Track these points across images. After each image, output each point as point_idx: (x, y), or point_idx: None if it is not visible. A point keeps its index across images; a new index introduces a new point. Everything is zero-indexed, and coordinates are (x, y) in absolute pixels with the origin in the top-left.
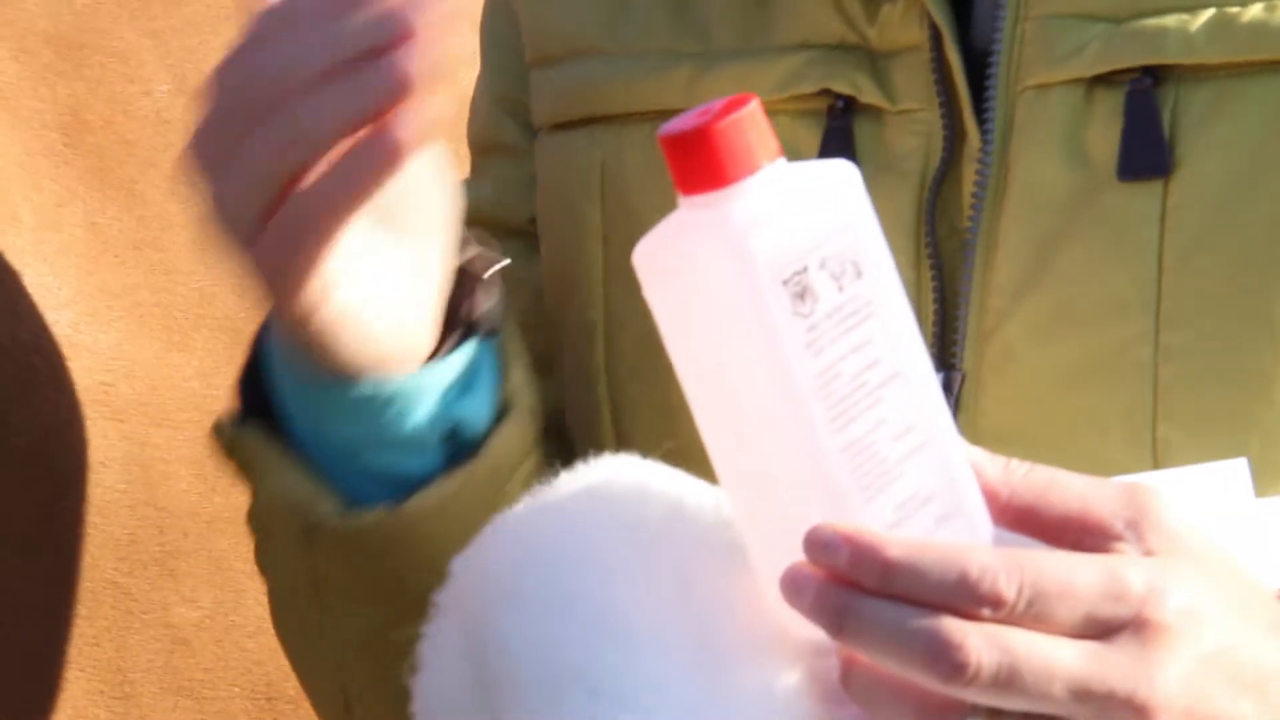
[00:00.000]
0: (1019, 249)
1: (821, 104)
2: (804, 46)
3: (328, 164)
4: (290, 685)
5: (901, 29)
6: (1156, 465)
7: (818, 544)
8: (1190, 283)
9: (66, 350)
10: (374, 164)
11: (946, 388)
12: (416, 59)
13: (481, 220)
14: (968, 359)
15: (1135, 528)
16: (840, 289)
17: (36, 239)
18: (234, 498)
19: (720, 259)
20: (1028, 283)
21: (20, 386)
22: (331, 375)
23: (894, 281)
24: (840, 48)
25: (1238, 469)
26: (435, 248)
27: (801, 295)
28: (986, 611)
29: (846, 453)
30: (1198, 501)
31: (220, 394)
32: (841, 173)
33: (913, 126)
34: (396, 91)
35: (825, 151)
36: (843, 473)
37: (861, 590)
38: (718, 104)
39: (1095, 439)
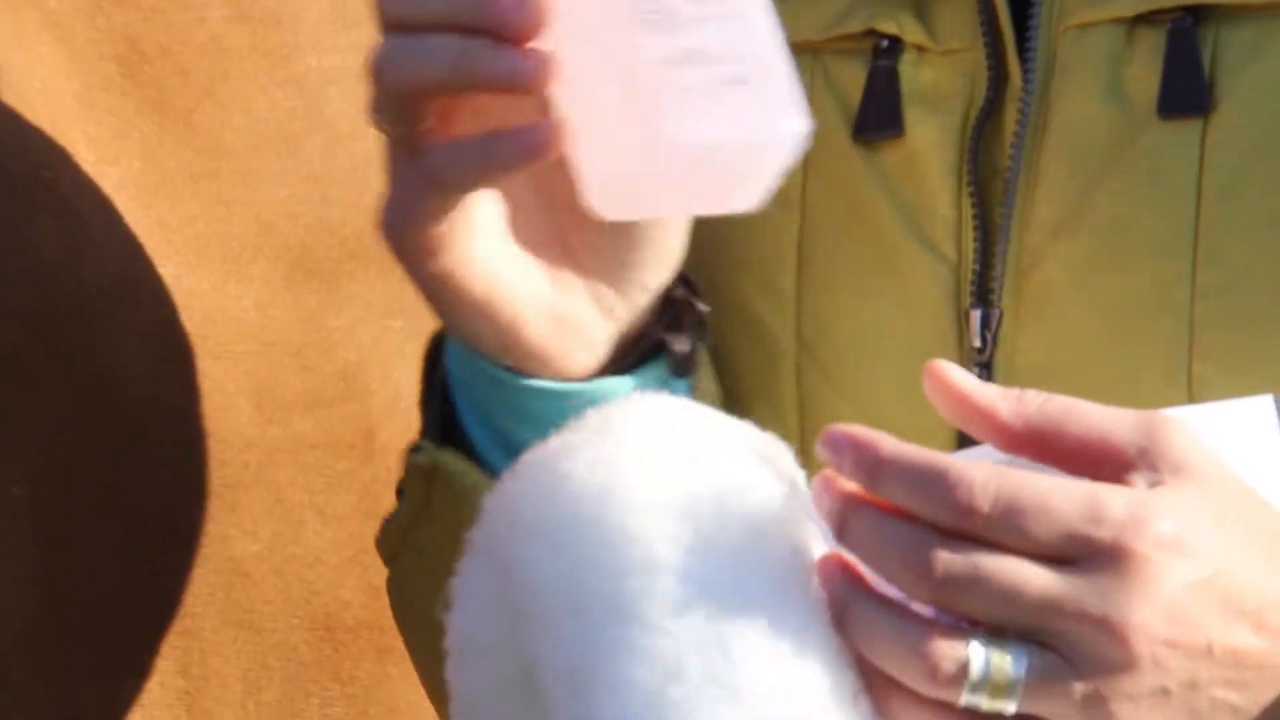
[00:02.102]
0: (1059, 187)
1: (867, 43)
2: None
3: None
4: (349, 615)
5: None
6: (1192, 403)
7: (828, 443)
8: (1228, 222)
9: (125, 284)
10: (510, 154)
11: (985, 324)
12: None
13: None
14: (1006, 296)
15: (1148, 456)
16: None
17: (95, 173)
18: (292, 428)
19: None
20: (1067, 221)
21: (81, 324)
22: (499, 366)
23: None
24: None
25: (1264, 405)
26: (638, 280)
27: None
28: (961, 517)
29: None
30: (1220, 434)
31: (279, 324)
32: None
33: (957, 66)
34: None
35: (870, 90)
36: (628, 13)
37: (868, 502)
38: None
39: (1132, 377)
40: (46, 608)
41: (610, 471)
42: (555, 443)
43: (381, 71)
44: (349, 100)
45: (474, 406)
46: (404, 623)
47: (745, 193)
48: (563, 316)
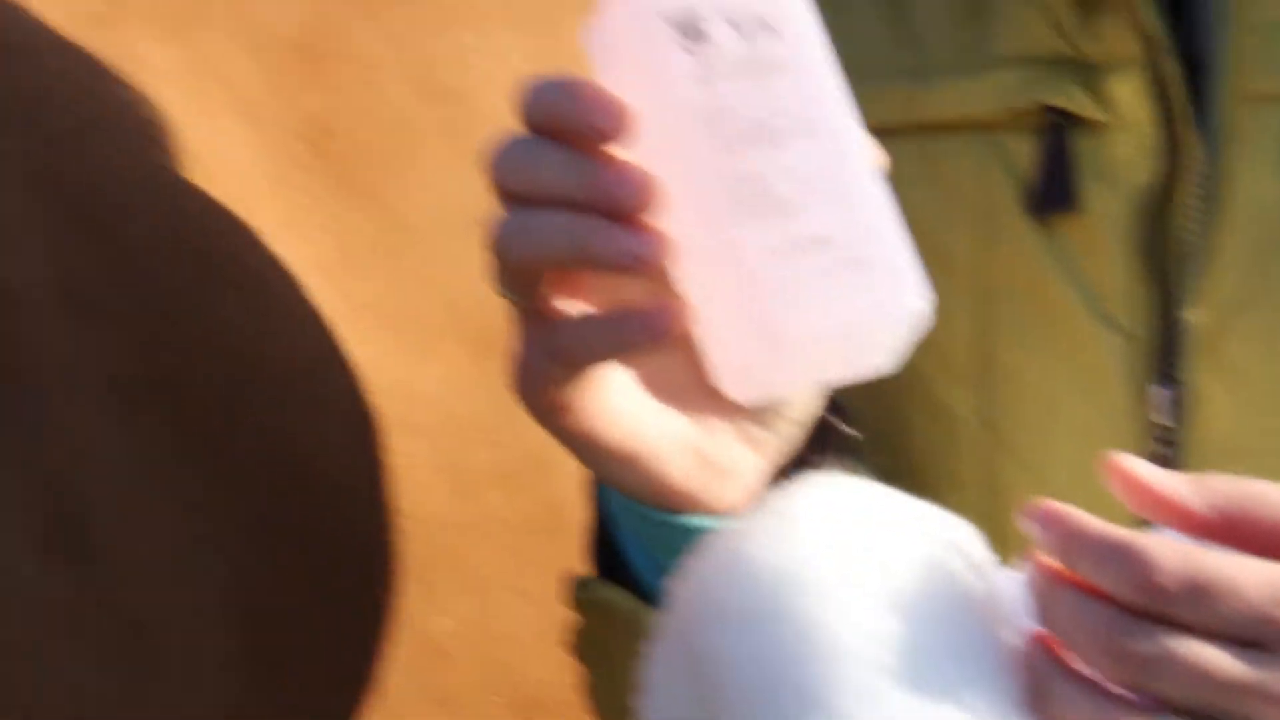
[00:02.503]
0: (1239, 260)
1: (1038, 118)
2: (1019, 60)
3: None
4: (546, 693)
5: (1117, 41)
6: None
7: (1030, 516)
8: None
9: (316, 363)
10: (636, 338)
11: (1173, 402)
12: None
13: None
14: (1189, 372)
15: None
16: (742, 38)
17: (285, 251)
18: (486, 505)
19: (621, 10)
20: (1249, 295)
21: (274, 400)
22: (659, 509)
23: (812, 48)
24: (1055, 61)
25: None
26: (784, 414)
27: (690, 34)
28: (1149, 598)
29: (729, 178)
30: None
31: (467, 401)
32: None
33: (1130, 138)
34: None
35: (1043, 165)
36: (719, 190)
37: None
38: None
39: None
40: (251, 689)
41: (796, 556)
42: (741, 527)
43: (500, 248)
44: None
45: (632, 538)
46: (595, 711)
47: (875, 363)
48: (708, 456)
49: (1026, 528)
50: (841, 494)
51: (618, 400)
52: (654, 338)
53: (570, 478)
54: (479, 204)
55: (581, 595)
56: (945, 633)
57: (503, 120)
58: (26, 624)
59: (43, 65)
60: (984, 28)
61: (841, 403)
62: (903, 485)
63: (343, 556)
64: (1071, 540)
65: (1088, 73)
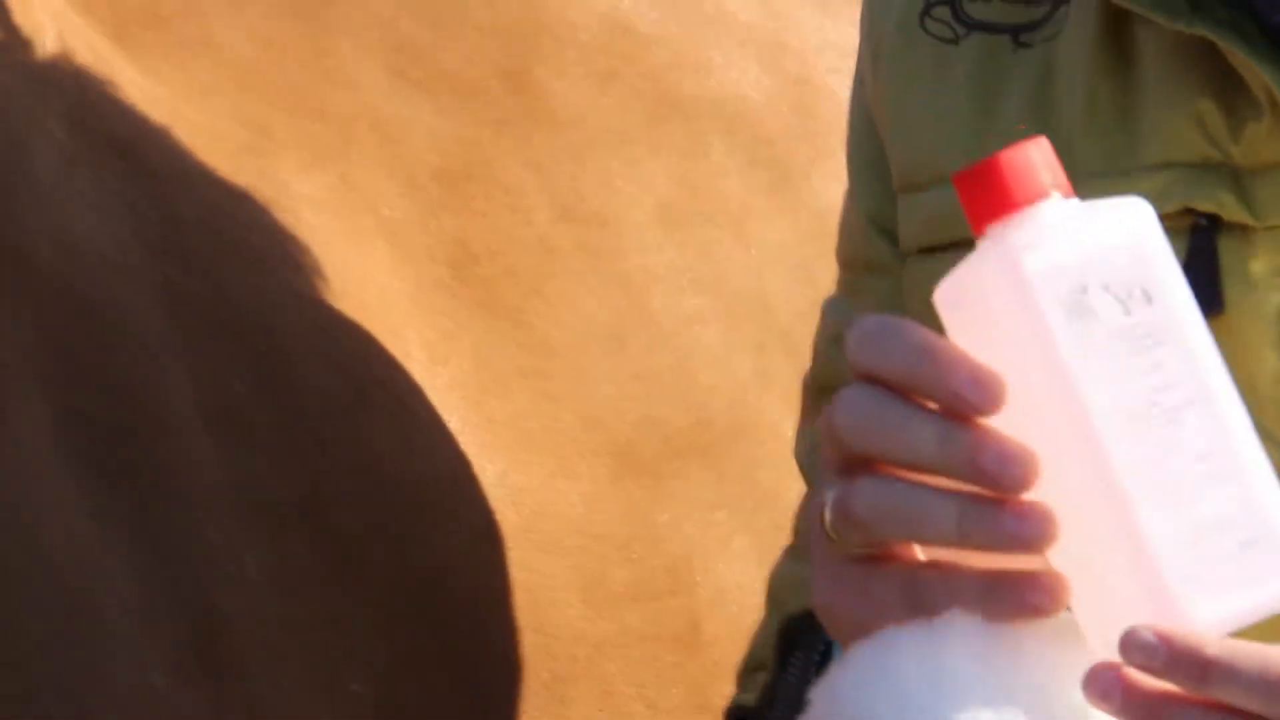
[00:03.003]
0: None
1: (1185, 222)
2: (1167, 165)
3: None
4: None
5: (1268, 145)
6: None
7: (1134, 645)
8: None
9: (456, 479)
10: (1011, 610)
11: None
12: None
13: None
14: None
15: None
16: (1127, 312)
17: (428, 374)
18: (620, 621)
19: (998, 279)
20: None
21: (415, 519)
22: None
23: (1190, 313)
24: (1204, 166)
25: None
26: None
27: (1080, 314)
28: None
29: (1137, 466)
30: None
31: (605, 519)
32: (1133, 206)
33: (1275, 244)
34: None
35: (1190, 270)
36: (1130, 484)
37: (1175, 697)
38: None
39: None
40: None
41: (937, 666)
42: (882, 637)
43: (864, 518)
44: (673, 298)
45: None
46: None
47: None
48: None
49: (1133, 655)
50: None
51: None
52: (1030, 612)
53: (707, 595)
54: (620, 324)
55: None
56: None
57: (643, 242)
58: None
59: (192, 193)
60: (1132, 135)
61: None
62: None
63: (480, 671)
64: (1210, 665)
65: (1237, 177)
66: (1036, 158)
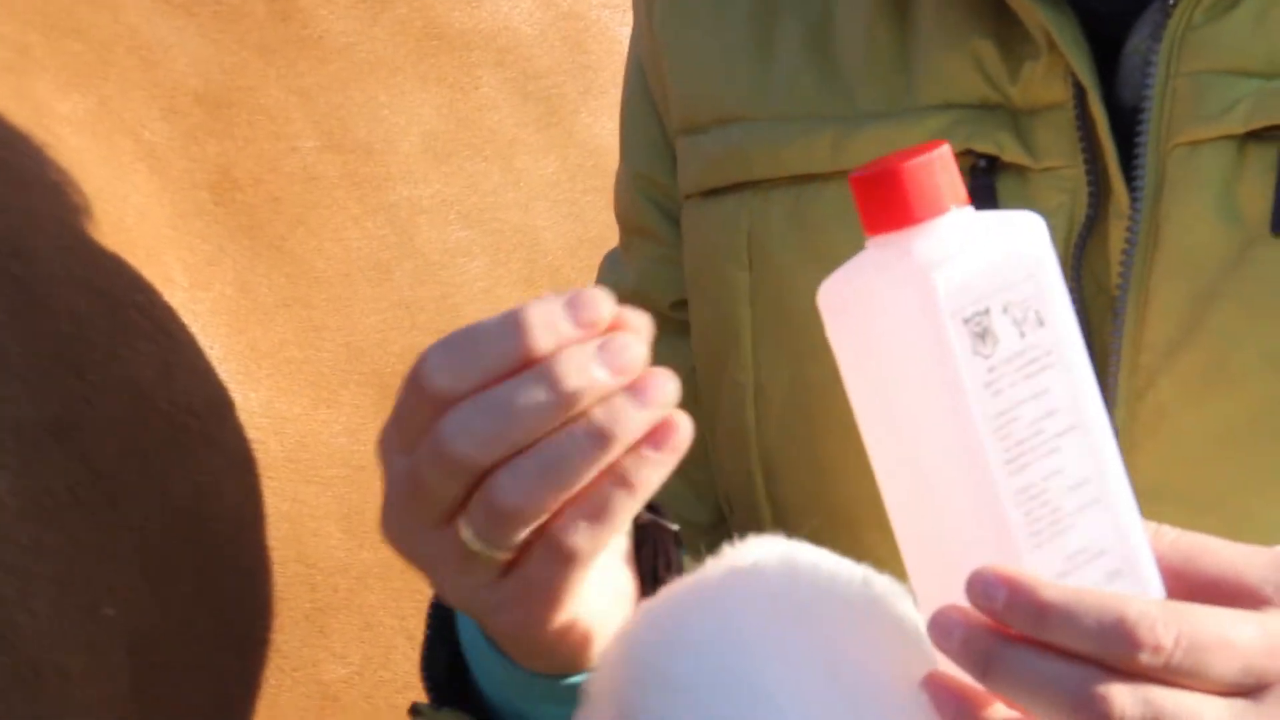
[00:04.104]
0: (1171, 306)
1: (965, 163)
2: (947, 106)
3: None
4: None
5: (1044, 87)
6: None
7: (978, 584)
8: None
9: (217, 407)
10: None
11: None
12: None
13: (624, 301)
14: (1119, 418)
15: None
16: (1021, 335)
17: (189, 298)
18: (382, 553)
19: (902, 294)
20: (1180, 340)
21: (174, 446)
22: (556, 669)
23: (1075, 334)
24: (983, 107)
25: None
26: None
27: (982, 336)
28: (1144, 656)
29: (1020, 496)
30: None
31: (368, 450)
32: (1028, 223)
33: (1057, 184)
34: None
35: None
36: (1014, 515)
37: (1013, 637)
38: (910, 150)
39: (1251, 497)
40: None
41: (732, 621)
42: (675, 591)
43: (478, 450)
44: (439, 230)
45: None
46: None
47: None
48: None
49: (976, 598)
50: (775, 558)
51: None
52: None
53: None
54: (384, 254)
55: None
56: (879, 694)
57: (410, 172)
58: None
59: None
60: (911, 76)
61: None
62: (835, 535)
63: (238, 600)
64: (1046, 608)
65: (1015, 119)
66: (939, 168)
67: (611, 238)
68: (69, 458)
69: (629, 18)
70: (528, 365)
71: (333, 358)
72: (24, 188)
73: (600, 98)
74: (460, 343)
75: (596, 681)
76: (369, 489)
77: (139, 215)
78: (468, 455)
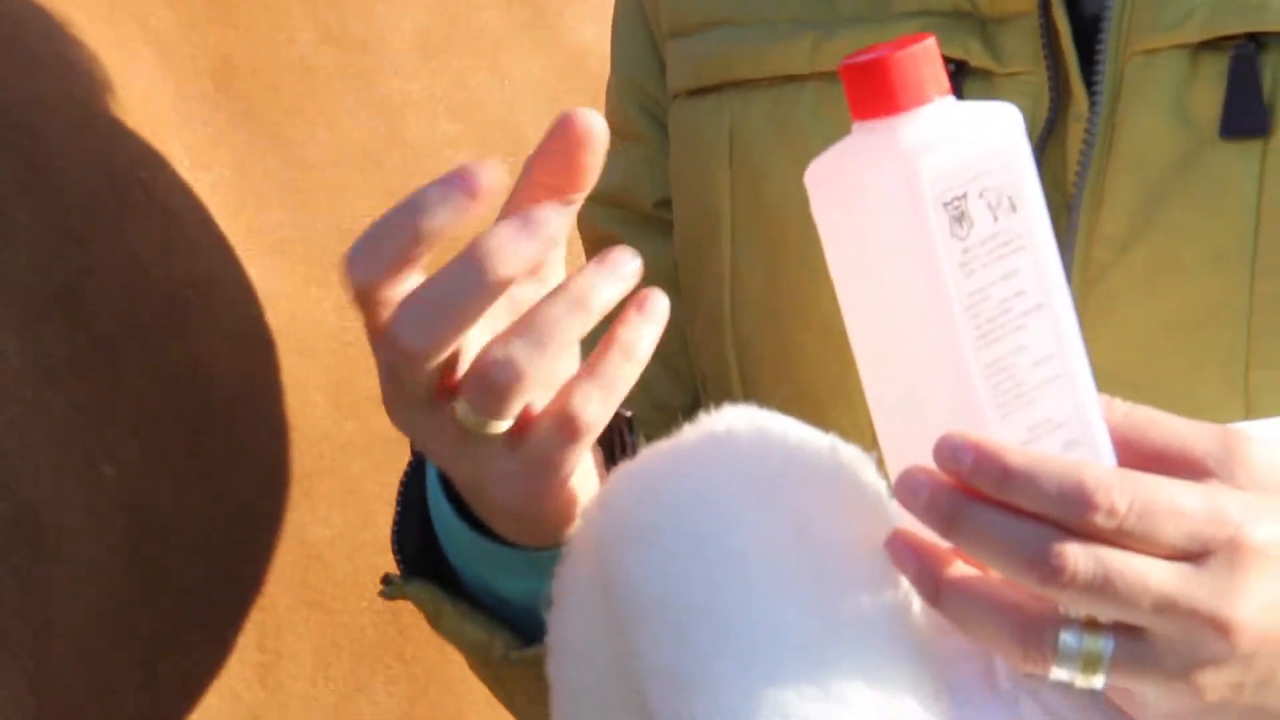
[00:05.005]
0: (1124, 204)
1: None
2: (920, 13)
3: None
4: None
5: None
6: (1249, 408)
7: (946, 448)
8: None
9: (214, 282)
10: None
11: None
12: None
13: (610, 202)
14: (1077, 306)
15: (1226, 466)
16: (995, 219)
17: (190, 177)
18: (366, 423)
19: (887, 177)
20: (1132, 235)
21: (172, 318)
22: (539, 541)
23: (1044, 221)
24: (953, 14)
25: None
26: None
27: (959, 219)
28: (1099, 518)
29: (988, 370)
30: None
31: (355, 326)
32: (1006, 114)
33: (1020, 88)
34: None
35: None
36: (982, 387)
37: (978, 497)
38: (896, 41)
39: (1192, 382)
40: (133, 577)
41: (706, 482)
42: (653, 452)
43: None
44: (427, 123)
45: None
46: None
47: None
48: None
49: (944, 461)
50: (749, 424)
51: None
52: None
53: None
54: (375, 145)
55: (396, 594)
56: (844, 555)
57: (401, 67)
58: None
59: None
60: None
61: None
62: (802, 413)
63: (229, 464)
64: (1009, 472)
65: (982, 26)
66: (925, 59)
67: None
68: (71, 325)
69: None
70: (428, 246)
71: (324, 239)
72: (34, 67)
73: (585, 2)
74: (368, 236)
75: (577, 537)
76: (355, 364)
77: (144, 98)
78: (422, 348)
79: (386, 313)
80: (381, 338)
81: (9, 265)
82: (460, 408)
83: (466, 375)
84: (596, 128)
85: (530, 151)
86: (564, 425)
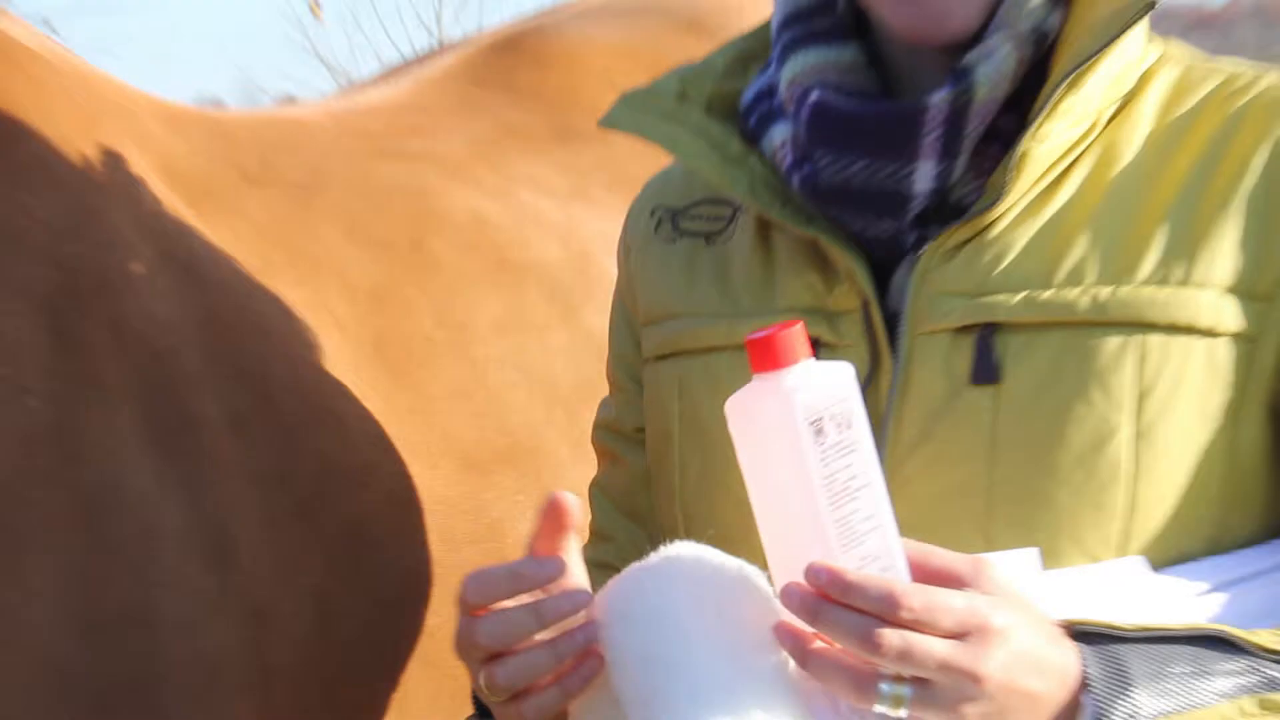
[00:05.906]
0: (914, 423)
1: None
2: (791, 309)
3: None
4: None
5: (846, 300)
6: (989, 546)
7: (811, 571)
8: (1013, 444)
9: None
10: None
11: None
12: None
13: (607, 429)
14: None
15: (977, 581)
16: (839, 432)
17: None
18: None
19: (775, 408)
20: (919, 441)
21: None
22: None
23: (868, 433)
24: (812, 309)
25: (1034, 554)
26: None
27: (819, 432)
28: (903, 614)
29: (836, 524)
30: (1012, 570)
31: None
32: (845, 370)
33: (852, 354)
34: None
35: None
36: (833, 534)
37: (829, 599)
38: (779, 324)
39: (956, 531)
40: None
41: (662, 585)
42: (630, 568)
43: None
44: (502, 374)
45: None
46: None
47: None
48: None
49: (809, 579)
50: (687, 552)
51: None
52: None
53: None
54: (469, 387)
55: None
56: (744, 627)
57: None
58: None
59: None
60: (772, 289)
61: None
62: (723, 548)
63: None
64: (849, 586)
65: (830, 317)
66: (797, 336)
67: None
68: None
69: (614, 261)
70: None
71: None
72: (266, 338)
73: (596, 301)
74: (481, 577)
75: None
76: None
77: (333, 361)
78: (484, 644)
79: (469, 614)
80: (464, 626)
81: None
82: (481, 679)
83: (483, 671)
84: (571, 503)
85: (559, 392)
86: (521, 708)
